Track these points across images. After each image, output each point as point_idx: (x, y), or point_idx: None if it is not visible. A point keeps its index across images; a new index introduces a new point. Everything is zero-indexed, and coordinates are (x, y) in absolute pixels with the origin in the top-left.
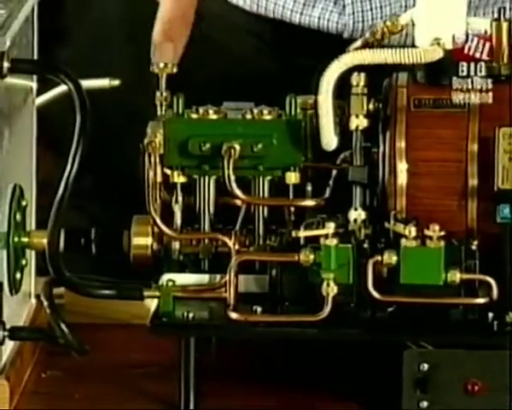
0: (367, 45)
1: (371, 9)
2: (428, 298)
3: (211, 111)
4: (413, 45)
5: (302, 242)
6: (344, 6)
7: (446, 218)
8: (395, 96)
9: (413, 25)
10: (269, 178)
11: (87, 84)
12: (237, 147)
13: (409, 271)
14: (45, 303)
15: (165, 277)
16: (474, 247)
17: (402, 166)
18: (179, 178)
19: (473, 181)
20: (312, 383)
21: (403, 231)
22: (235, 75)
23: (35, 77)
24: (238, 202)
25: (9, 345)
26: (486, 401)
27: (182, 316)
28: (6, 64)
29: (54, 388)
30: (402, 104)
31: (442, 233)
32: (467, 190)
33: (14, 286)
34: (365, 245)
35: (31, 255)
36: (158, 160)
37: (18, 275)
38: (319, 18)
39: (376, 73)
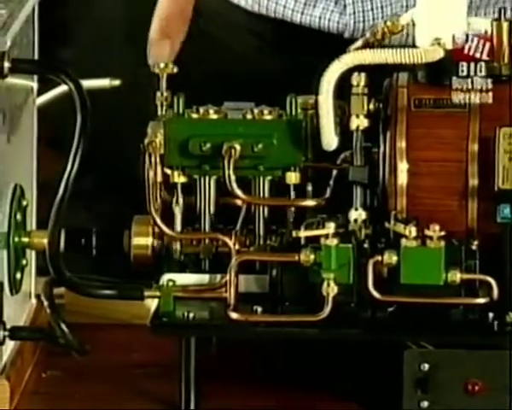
0: (367, 45)
1: (372, 9)
2: (429, 298)
3: (211, 111)
4: (413, 45)
5: (302, 242)
6: (345, 6)
7: (447, 218)
8: (396, 96)
9: (413, 25)
10: (269, 178)
11: (87, 84)
12: (238, 147)
13: (409, 271)
14: (46, 303)
15: (166, 277)
16: (474, 247)
17: (402, 166)
18: (180, 178)
19: (473, 181)
20: (312, 383)
21: (403, 231)
22: (236, 75)
23: (36, 77)
24: (238, 202)
25: (10, 345)
26: (487, 401)
27: (182, 316)
28: (7, 64)
29: (54, 388)
30: (402, 104)
31: (442, 233)
32: (467, 190)
33: (15, 286)
34: (365, 245)
35: (31, 255)
36: (158, 160)
37: (18, 275)
38: (320, 18)
39: (377, 73)
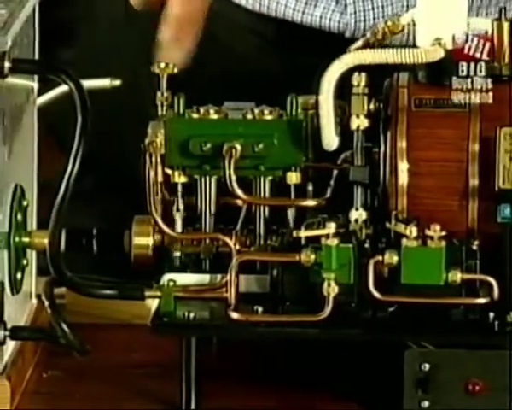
0: (368, 45)
1: (373, 9)
2: (429, 298)
3: (212, 111)
4: (414, 45)
5: (303, 242)
6: (346, 5)
7: (447, 218)
8: (396, 96)
9: (414, 25)
10: (270, 178)
11: (88, 84)
12: (238, 147)
13: (410, 271)
14: (46, 303)
15: (166, 277)
16: (474, 247)
17: (403, 166)
18: (180, 178)
19: (474, 181)
20: (313, 383)
21: (404, 231)
22: (237, 75)
23: (36, 77)
24: (239, 202)
25: (11, 345)
26: (487, 401)
27: (183, 316)
28: (7, 64)
29: (55, 388)
30: (403, 104)
31: (443, 233)
32: (468, 190)
33: (15, 286)
34: (366, 245)
35: (32, 255)
36: (159, 160)
37: (19, 275)
38: (321, 17)
39: (377, 73)
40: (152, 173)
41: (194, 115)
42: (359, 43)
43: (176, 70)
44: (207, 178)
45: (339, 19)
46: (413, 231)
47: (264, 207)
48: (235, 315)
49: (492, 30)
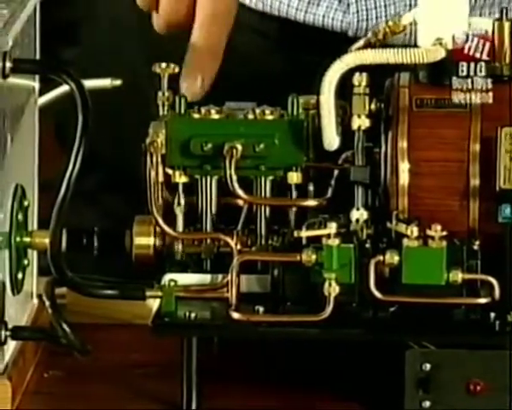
0: (369, 45)
1: (375, 8)
2: (430, 298)
3: (213, 111)
4: (415, 45)
5: (304, 242)
6: (348, 4)
7: (448, 218)
8: (397, 96)
9: (415, 24)
10: (271, 177)
11: (89, 84)
12: (239, 147)
13: (411, 271)
14: (47, 303)
15: (168, 277)
16: (475, 247)
17: (404, 166)
18: (181, 178)
19: (474, 181)
20: (313, 383)
21: (405, 231)
22: (238, 75)
23: (37, 77)
24: (240, 202)
25: (11, 345)
26: (488, 401)
27: (184, 316)
28: (8, 64)
29: (56, 388)
30: (404, 104)
31: (444, 233)
32: (469, 190)
33: (16, 286)
34: (367, 245)
35: (33, 255)
36: (160, 160)
37: (20, 275)
38: (324, 16)
39: (378, 73)
40: (153, 173)
41: (196, 115)
42: (360, 43)
43: (177, 70)
44: (208, 178)
45: (341, 18)
46: (414, 231)
47: (265, 207)
48: (236, 315)
49: (493, 30)
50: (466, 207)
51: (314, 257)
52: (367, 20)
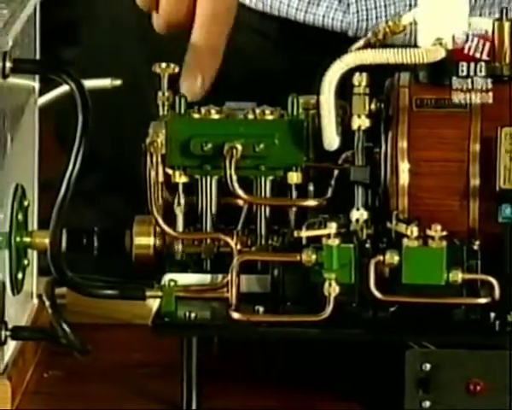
0: (369, 45)
1: (375, 8)
2: (430, 298)
3: (213, 111)
4: (415, 45)
5: (304, 242)
6: (348, 4)
7: (448, 218)
8: (397, 96)
9: (415, 24)
10: (271, 177)
11: (89, 84)
12: (239, 147)
13: (411, 271)
14: (47, 303)
15: (167, 277)
16: (475, 247)
17: (404, 166)
18: (181, 178)
19: (474, 181)
20: (313, 383)
21: (405, 231)
22: (238, 75)
23: (37, 77)
24: (240, 202)
25: (11, 345)
26: (488, 401)
27: (184, 316)
28: (8, 64)
29: (56, 388)
30: (404, 104)
31: (444, 233)
32: (469, 190)
33: (16, 286)
34: (367, 245)
35: (33, 255)
36: (160, 160)
37: (20, 275)
38: (324, 16)
39: (378, 73)
40: (153, 173)
41: (196, 115)
42: (360, 43)
43: (177, 70)
44: (208, 178)
45: (341, 18)
46: (414, 231)
47: (265, 207)
48: (236, 315)
49: (493, 30)
50: (466, 207)
51: (314, 257)
52: (367, 20)
